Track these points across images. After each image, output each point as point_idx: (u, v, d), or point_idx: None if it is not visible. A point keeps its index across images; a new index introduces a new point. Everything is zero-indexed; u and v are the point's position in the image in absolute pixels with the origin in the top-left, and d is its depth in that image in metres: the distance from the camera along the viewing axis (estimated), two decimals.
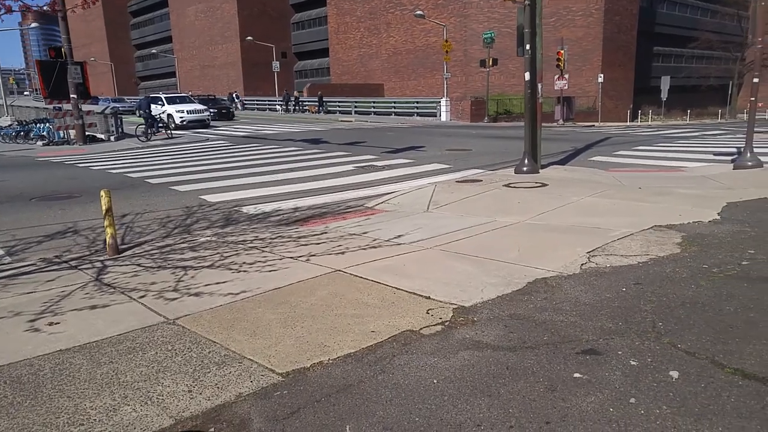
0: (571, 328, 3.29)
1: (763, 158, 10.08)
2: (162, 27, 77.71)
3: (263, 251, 5.44)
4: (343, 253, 5.26)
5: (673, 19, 49.37)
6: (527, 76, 9.70)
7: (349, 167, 12.35)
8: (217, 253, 5.45)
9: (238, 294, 4.13)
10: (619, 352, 2.91)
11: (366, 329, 3.39)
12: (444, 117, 33.15)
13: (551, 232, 5.74)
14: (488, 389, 2.62)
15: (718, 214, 6.10)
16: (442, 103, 33.38)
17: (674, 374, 2.64)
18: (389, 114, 36.88)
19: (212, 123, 29.71)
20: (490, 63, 30.32)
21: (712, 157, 12.58)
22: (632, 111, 42.28)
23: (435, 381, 2.73)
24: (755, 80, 9.23)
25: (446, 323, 3.44)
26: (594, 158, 13.19)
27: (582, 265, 4.51)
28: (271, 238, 6.05)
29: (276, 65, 47.57)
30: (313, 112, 42.23)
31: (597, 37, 38.61)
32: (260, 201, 8.70)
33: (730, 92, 43.77)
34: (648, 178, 9.65)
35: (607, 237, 5.33)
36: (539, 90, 10.23)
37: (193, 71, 71.07)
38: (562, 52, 30.88)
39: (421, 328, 3.38)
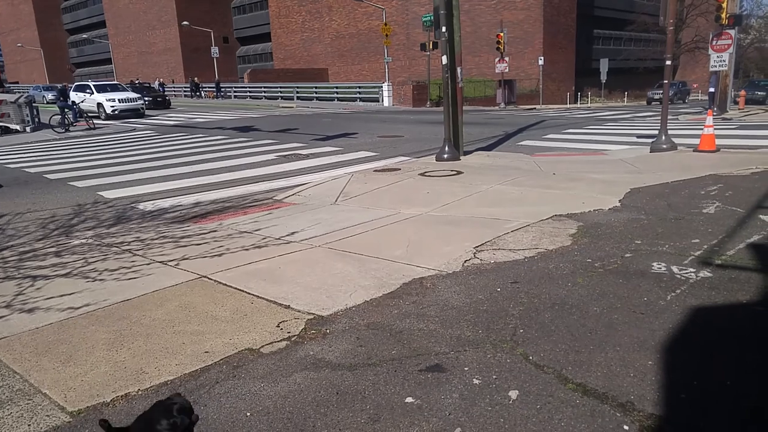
0: (426, 338, 2.99)
1: (678, 140, 10.20)
2: (95, 11, 73.34)
3: (135, 255, 4.93)
4: (220, 255, 4.82)
5: (610, 2, 50.37)
6: (444, 59, 9.41)
7: (272, 156, 11.82)
8: (83, 258, 4.90)
9: (78, 308, 3.65)
10: (466, 368, 2.63)
11: (200, 349, 2.99)
12: (386, 102, 32.77)
13: (448, 224, 5.47)
14: (304, 423, 2.28)
15: (620, 201, 5.99)
16: (384, 88, 32.97)
17: (513, 394, 2.38)
18: (332, 99, 36.20)
19: (147, 112, 28.19)
20: (431, 46, 30.01)
21: (635, 139, 12.72)
22: (574, 93, 43.08)
23: (248, 414, 2.36)
24: (667, 63, 9.26)
25: (293, 338, 3.09)
26: (522, 142, 13.12)
27: (465, 261, 4.25)
28: (152, 239, 5.54)
29: (215, 51, 45.75)
30: (211, 98, 43.57)
31: (537, 20, 38.93)
32: (163, 196, 8.11)
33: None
34: (568, 162, 9.59)
35: (501, 229, 5.10)
36: (459, 74, 9.97)
37: (130, 58, 67.74)
38: (502, 34, 30.96)
39: (262, 346, 3.01)
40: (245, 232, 5.67)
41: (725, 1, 17.36)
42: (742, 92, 25.19)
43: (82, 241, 5.63)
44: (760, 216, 5.22)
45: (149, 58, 65.25)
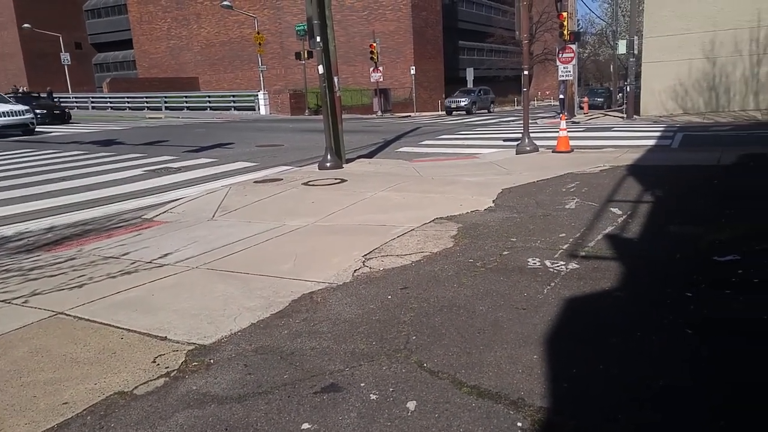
0: (319, 357, 2.86)
1: (539, 142, 11.08)
2: None
3: None
4: (81, 286, 4.26)
5: (472, 17, 54.08)
6: (321, 69, 9.34)
7: (140, 171, 10.90)
8: None
9: None
10: (362, 384, 2.54)
11: (57, 401, 2.58)
12: (263, 111, 32.02)
13: (336, 234, 5.39)
14: None
15: (493, 201, 6.33)
16: (260, 97, 32.19)
17: (411, 405, 2.33)
18: (204, 109, 34.58)
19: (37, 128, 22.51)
20: (306, 56, 29.84)
21: (502, 143, 13.63)
22: (445, 100, 45.38)
23: None
24: (525, 72, 10.04)
25: (173, 373, 2.78)
26: (401, 149, 13.45)
27: (355, 271, 4.18)
28: None
29: (65, 57, 41.49)
30: None
31: (407, 31, 40.51)
32: (4, 222, 7.06)
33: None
34: (445, 166, 9.98)
35: (388, 235, 5.12)
36: (337, 83, 9.96)
37: None
38: (375, 45, 31.73)
39: (136, 387, 2.67)
40: (111, 257, 5.11)
41: (566, 20, 19.53)
42: (585, 99, 28.50)
43: None
44: (611, 209, 5.81)
45: None
